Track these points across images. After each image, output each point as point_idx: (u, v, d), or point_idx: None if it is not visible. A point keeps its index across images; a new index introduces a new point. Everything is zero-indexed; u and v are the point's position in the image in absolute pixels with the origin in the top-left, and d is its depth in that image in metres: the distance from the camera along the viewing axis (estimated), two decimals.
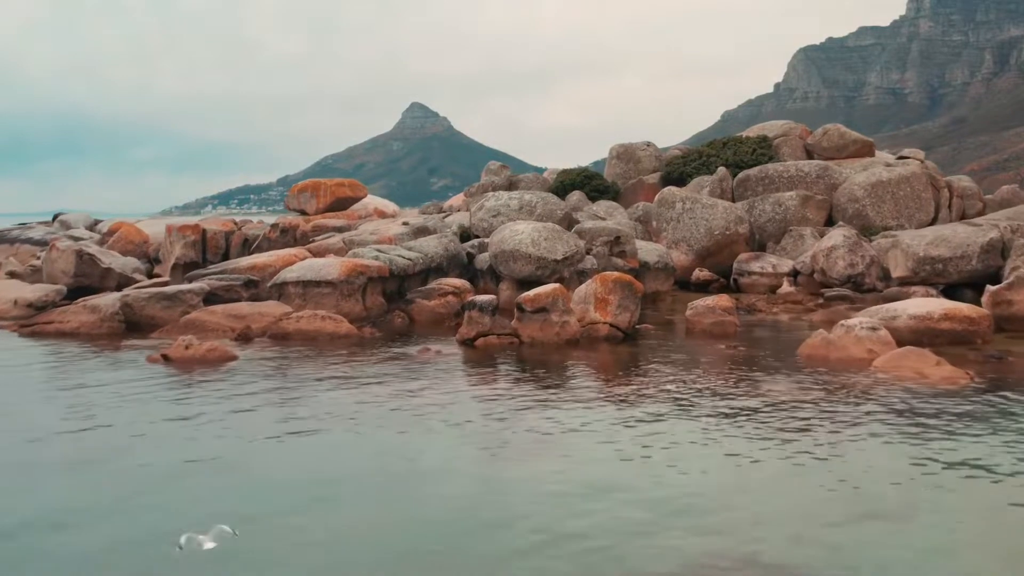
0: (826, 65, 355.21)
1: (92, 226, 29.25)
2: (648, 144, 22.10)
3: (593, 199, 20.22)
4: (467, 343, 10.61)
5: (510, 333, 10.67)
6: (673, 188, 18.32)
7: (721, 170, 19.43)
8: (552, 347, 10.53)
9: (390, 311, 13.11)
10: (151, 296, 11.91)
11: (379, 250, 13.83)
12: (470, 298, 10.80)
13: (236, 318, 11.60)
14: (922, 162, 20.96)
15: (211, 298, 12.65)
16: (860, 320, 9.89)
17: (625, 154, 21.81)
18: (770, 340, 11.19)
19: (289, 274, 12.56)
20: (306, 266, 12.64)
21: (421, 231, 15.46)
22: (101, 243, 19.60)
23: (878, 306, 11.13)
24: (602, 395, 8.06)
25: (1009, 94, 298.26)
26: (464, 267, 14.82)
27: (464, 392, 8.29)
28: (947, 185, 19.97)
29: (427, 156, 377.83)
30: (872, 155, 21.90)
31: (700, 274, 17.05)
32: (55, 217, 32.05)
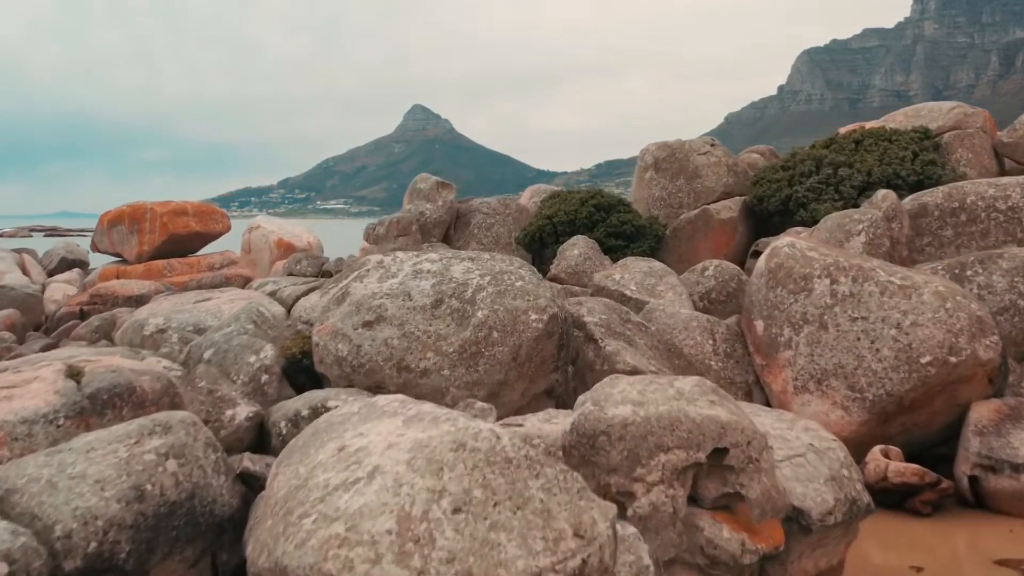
0: (830, 67, 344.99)
1: None
2: (712, 143, 11.66)
3: (613, 251, 9.87)
4: None
5: None
6: (799, 243, 7.80)
7: (886, 196, 8.98)
8: None
9: None
10: None
11: None
12: None
13: None
14: None
15: None
16: None
17: (671, 161, 11.40)
18: None
19: None
20: None
21: (77, 420, 4.89)
22: None
23: None
24: None
25: (1015, 96, 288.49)
26: (219, 530, 4.50)
27: None
28: None
29: (429, 158, 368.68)
30: None
31: (890, 465, 6.61)
32: None
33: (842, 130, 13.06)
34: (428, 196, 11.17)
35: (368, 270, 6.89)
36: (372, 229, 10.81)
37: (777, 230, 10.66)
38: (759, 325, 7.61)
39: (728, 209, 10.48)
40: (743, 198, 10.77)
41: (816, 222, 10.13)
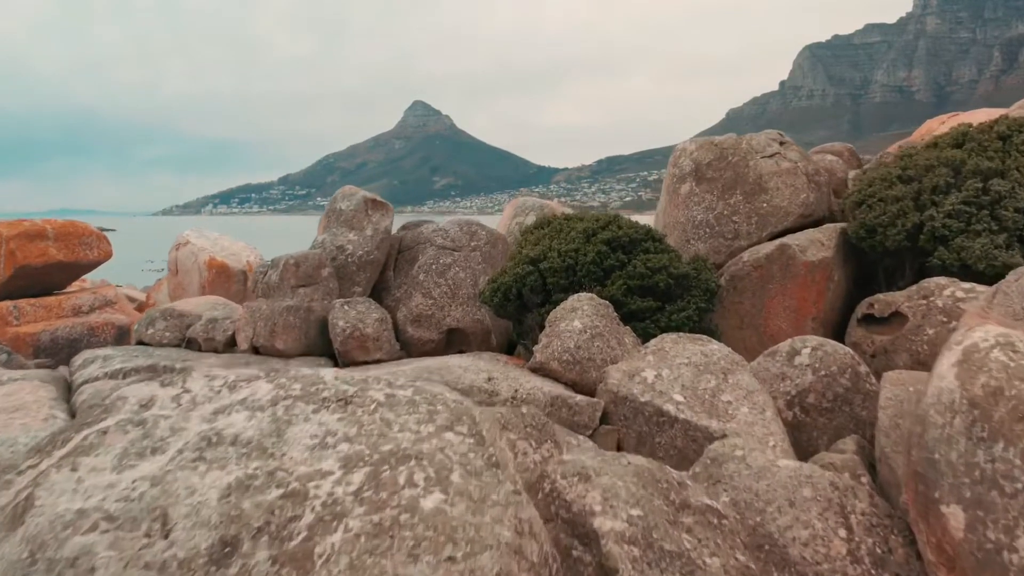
0: (832, 63, 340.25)
1: None
2: (781, 139, 7.70)
3: (638, 318, 5.97)
4: None
5: None
6: (1022, 340, 4.03)
7: None
8: None
9: None
10: None
11: None
12: None
13: None
14: None
15: None
16: None
17: (721, 168, 7.39)
18: None
19: None
20: None
21: None
22: None
23: None
24: None
25: (1019, 92, 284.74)
26: None
27: None
28: None
29: (429, 155, 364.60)
30: None
31: None
32: None
33: (961, 118, 9.22)
34: (352, 221, 7.25)
35: (105, 432, 2.99)
36: (262, 275, 6.91)
37: (892, 279, 6.75)
38: (953, 517, 3.68)
39: (819, 245, 6.54)
40: (838, 227, 6.82)
41: (966, 268, 6.23)
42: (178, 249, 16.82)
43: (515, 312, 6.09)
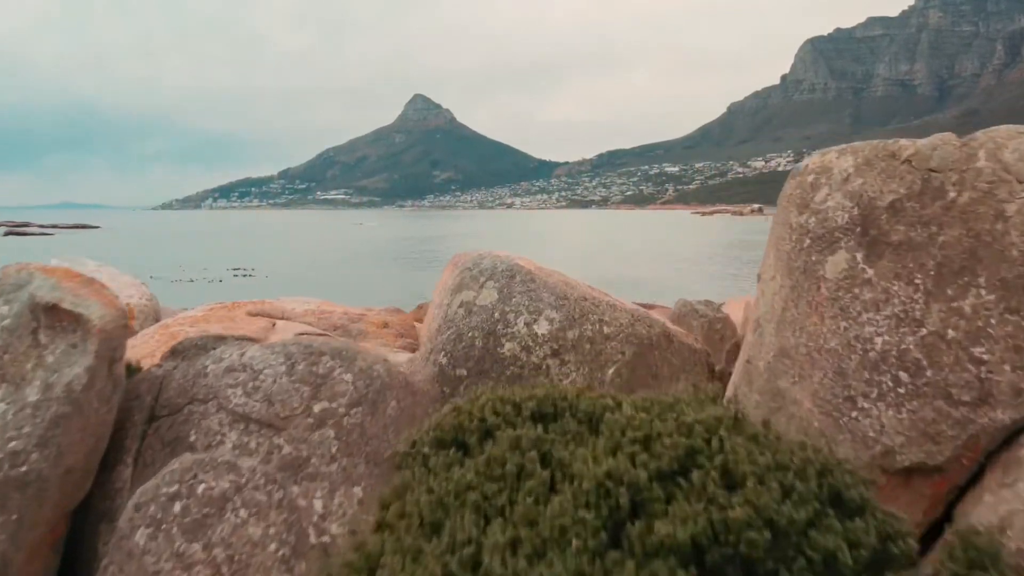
0: (834, 56, 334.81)
1: None
2: None
3: None
4: None
5: None
6: None
7: None
8: None
9: None
10: None
11: None
12: None
13: None
14: None
15: None
16: None
17: (927, 216, 3.00)
18: None
19: None
20: None
21: None
22: None
23: None
24: None
25: (1022, 85, 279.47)
26: None
27: None
28: None
29: (430, 149, 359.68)
30: None
31: None
32: None
33: None
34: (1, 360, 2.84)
35: None
36: None
37: None
38: None
39: None
40: None
41: None
42: None
43: None
